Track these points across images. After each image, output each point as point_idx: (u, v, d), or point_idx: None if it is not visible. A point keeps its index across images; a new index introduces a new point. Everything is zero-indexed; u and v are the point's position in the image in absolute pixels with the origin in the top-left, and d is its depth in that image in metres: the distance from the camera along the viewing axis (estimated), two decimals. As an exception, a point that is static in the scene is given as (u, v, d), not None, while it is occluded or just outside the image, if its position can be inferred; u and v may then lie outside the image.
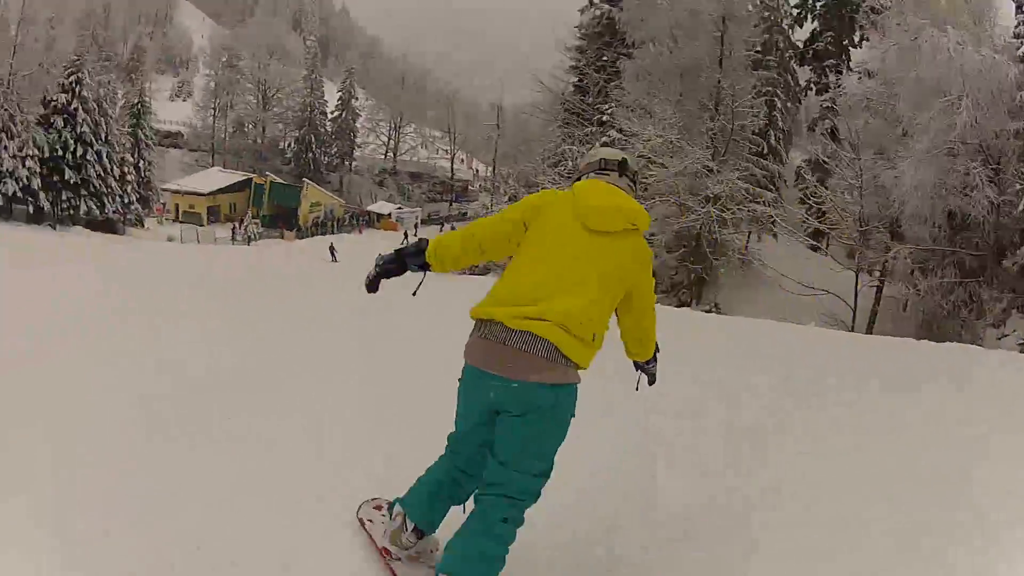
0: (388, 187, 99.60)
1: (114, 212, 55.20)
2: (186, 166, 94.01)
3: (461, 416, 3.88)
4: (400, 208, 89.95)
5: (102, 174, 53.61)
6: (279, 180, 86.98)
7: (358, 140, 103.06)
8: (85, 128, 52.32)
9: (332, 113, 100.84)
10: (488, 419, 3.69)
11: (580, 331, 3.57)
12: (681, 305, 34.54)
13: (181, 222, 75.75)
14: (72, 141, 51.93)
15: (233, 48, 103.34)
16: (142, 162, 68.53)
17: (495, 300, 3.70)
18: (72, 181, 51.79)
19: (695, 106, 41.02)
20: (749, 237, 42.17)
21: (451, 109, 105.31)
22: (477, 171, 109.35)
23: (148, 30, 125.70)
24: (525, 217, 3.86)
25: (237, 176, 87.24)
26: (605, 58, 50.37)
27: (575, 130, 48.33)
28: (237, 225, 74.81)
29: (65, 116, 52.06)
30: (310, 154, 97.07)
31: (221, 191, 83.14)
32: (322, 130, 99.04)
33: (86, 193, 52.74)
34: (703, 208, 37.28)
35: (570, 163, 44.30)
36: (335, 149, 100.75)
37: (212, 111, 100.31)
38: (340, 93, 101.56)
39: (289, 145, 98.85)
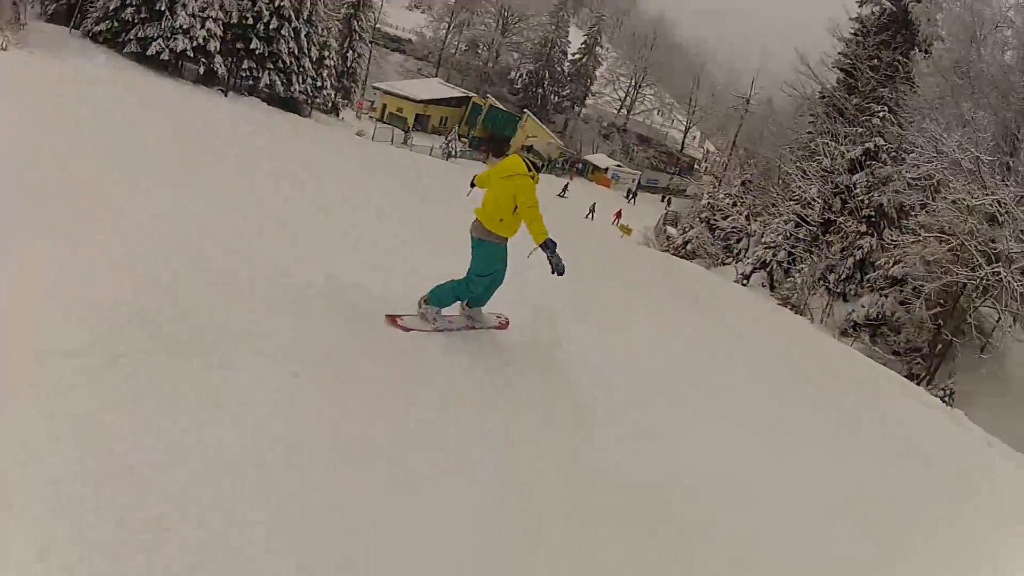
0: (613, 143, 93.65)
1: (301, 92, 49.50)
2: (406, 71, 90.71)
3: None
4: (620, 166, 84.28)
5: (296, 52, 48.04)
6: (499, 105, 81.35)
7: (593, 88, 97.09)
8: (285, 2, 46.77)
9: (573, 55, 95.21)
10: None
11: (486, 217, 7.83)
12: (910, 377, 26.43)
13: (385, 122, 71.35)
14: (268, 12, 46.49)
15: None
16: (351, 52, 63.18)
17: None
18: (258, 51, 46.31)
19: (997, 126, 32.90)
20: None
21: (697, 80, 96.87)
22: (708, 151, 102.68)
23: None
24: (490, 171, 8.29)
25: (456, 91, 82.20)
26: (881, 57, 45.18)
27: (835, 126, 42.72)
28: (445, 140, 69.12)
29: (283, -12, 46.82)
30: (540, 89, 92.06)
31: (435, 102, 78.48)
32: (558, 69, 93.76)
33: (272, 67, 47.24)
34: (989, 265, 28.56)
35: (826, 160, 39.84)
36: (567, 91, 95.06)
37: (447, 24, 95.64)
38: (585, 37, 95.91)
39: (520, 76, 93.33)
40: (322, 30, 51.13)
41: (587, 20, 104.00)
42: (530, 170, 7.74)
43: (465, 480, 5.76)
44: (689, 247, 45.70)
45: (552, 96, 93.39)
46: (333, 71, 54.29)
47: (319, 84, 51.48)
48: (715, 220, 47.09)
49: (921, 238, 31.17)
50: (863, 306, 33.95)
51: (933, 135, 30.80)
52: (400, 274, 9.47)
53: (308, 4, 48.51)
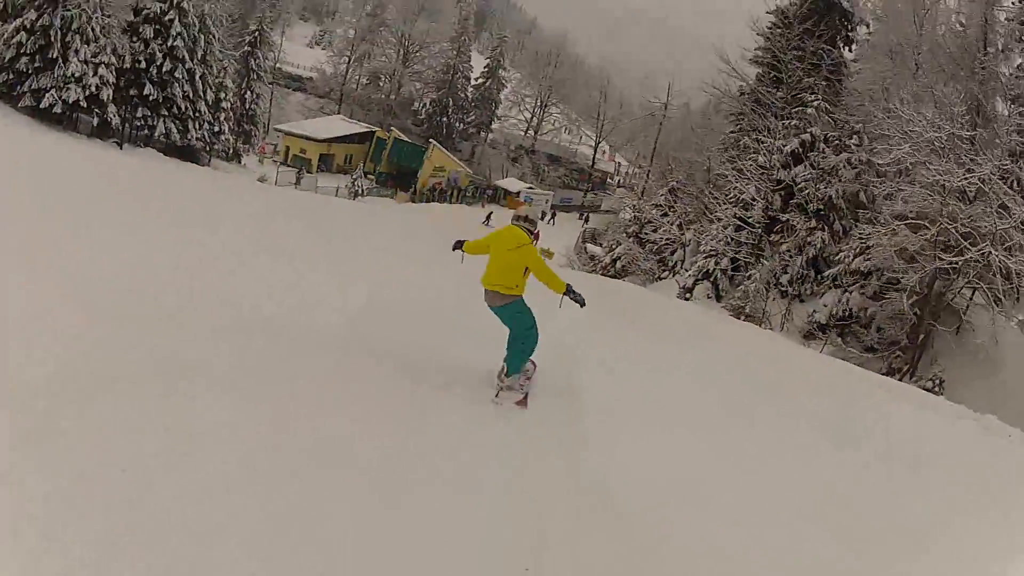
0: (522, 165, 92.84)
1: (198, 139, 47.51)
2: (307, 110, 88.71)
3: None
4: (532, 188, 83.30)
5: (191, 96, 46.15)
6: (404, 138, 79.90)
7: (499, 112, 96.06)
8: (179, 42, 44.91)
9: (476, 80, 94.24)
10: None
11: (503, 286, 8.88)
12: (891, 372, 25.61)
13: (289, 165, 69.68)
14: (160, 55, 44.63)
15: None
16: (248, 93, 61.42)
17: (484, 277, 8.99)
18: (152, 98, 44.37)
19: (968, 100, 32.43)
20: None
21: (604, 94, 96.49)
22: (619, 164, 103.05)
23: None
24: (489, 242, 9.33)
25: (359, 127, 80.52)
26: (806, 47, 44.57)
27: (765, 120, 41.43)
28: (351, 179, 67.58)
29: (157, 27, 44.74)
30: (444, 118, 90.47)
31: (338, 139, 76.61)
32: (462, 95, 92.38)
33: (167, 114, 45.29)
34: (976, 248, 27.65)
35: (761, 157, 38.76)
36: (472, 117, 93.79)
37: (347, 58, 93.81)
38: (488, 60, 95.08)
39: (424, 105, 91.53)
40: (218, 71, 49.46)
41: (488, 44, 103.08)
42: (531, 235, 9.14)
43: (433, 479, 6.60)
44: (619, 264, 44.37)
45: (457, 124, 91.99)
46: (231, 114, 52.56)
47: (217, 129, 49.71)
48: (645, 234, 45.75)
49: (893, 228, 29.81)
50: (825, 305, 32.96)
51: (901, 116, 29.76)
52: (308, 304, 10.85)
53: (202, 43, 46.71)
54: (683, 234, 43.42)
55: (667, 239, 43.84)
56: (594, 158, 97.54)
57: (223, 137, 50.60)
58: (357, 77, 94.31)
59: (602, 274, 40.79)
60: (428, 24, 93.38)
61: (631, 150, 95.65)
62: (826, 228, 34.75)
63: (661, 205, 46.92)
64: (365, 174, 68.50)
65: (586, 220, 79.31)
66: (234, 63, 57.68)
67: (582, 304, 8.99)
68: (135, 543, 4.64)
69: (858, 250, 32.05)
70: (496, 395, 9.01)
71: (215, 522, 5.05)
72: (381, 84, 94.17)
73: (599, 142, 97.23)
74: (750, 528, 7.12)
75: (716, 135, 49.67)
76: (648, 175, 66.95)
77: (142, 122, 44.77)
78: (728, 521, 7.12)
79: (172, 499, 5.10)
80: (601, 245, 55.65)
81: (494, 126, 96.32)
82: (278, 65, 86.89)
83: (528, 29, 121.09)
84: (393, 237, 26.85)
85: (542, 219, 67.33)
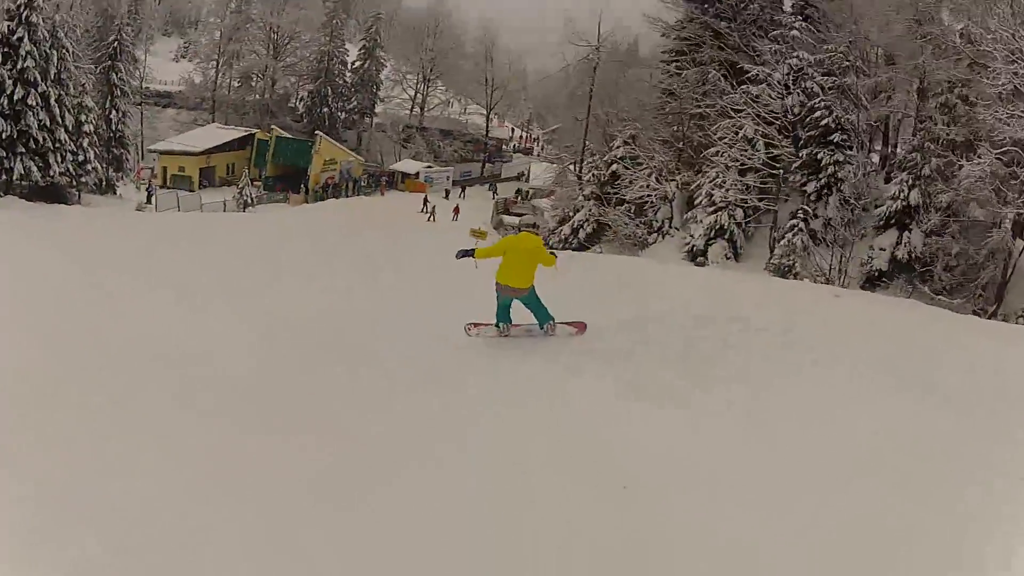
0: (415, 145, 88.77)
1: (63, 174, 42.97)
2: (181, 125, 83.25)
3: (500, 302, 11.65)
4: (430, 167, 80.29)
5: (47, 123, 41.66)
6: (287, 135, 75.38)
7: (381, 94, 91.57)
8: (29, 63, 40.49)
9: (353, 63, 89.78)
10: (508, 303, 11.65)
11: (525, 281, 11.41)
12: (978, 314, 23.94)
13: (169, 187, 64.91)
14: (11, 81, 40.18)
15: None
16: (114, 112, 56.71)
17: (499, 274, 11.30)
18: (4, 135, 39.94)
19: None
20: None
21: (489, 57, 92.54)
22: (513, 130, 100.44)
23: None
24: (506, 246, 11.53)
25: (237, 132, 75.91)
26: None
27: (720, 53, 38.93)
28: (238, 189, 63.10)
29: (6, 49, 40.42)
30: (325, 108, 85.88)
31: (216, 149, 71.66)
32: (340, 82, 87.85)
33: (24, 151, 40.82)
34: None
35: (755, 89, 35.96)
36: (354, 103, 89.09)
37: (215, 62, 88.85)
38: (363, 41, 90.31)
39: (301, 99, 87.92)
40: (75, 89, 44.83)
41: (361, 26, 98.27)
42: (545, 242, 12.51)
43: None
44: (582, 234, 40.31)
45: (339, 112, 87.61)
46: (96, 139, 47.85)
47: (82, 159, 44.97)
48: (610, 193, 40.89)
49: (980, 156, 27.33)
50: (882, 249, 30.07)
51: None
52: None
53: (55, 60, 42.16)
54: (663, 188, 39.17)
55: (646, 196, 39.30)
56: (488, 126, 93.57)
57: (90, 167, 45.67)
58: (228, 81, 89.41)
59: (562, 248, 35.60)
60: (297, 13, 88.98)
61: (516, 118, 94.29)
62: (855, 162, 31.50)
63: (624, 159, 41.44)
64: (251, 181, 64.15)
65: (495, 191, 77.74)
66: (92, 79, 52.69)
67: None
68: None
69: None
70: (502, 334, 11.89)
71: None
72: (254, 84, 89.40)
73: (491, 108, 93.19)
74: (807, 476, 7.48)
75: (662, 77, 45.53)
76: (586, 130, 61.32)
77: (-4, 165, 40.32)
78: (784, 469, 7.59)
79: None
80: (518, 215, 51.60)
81: (378, 109, 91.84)
82: (145, 84, 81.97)
83: (395, 6, 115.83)
84: (303, 249, 23.48)
85: (446, 197, 67.52)
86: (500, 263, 11.19)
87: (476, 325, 11.72)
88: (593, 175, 43.13)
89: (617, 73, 59.78)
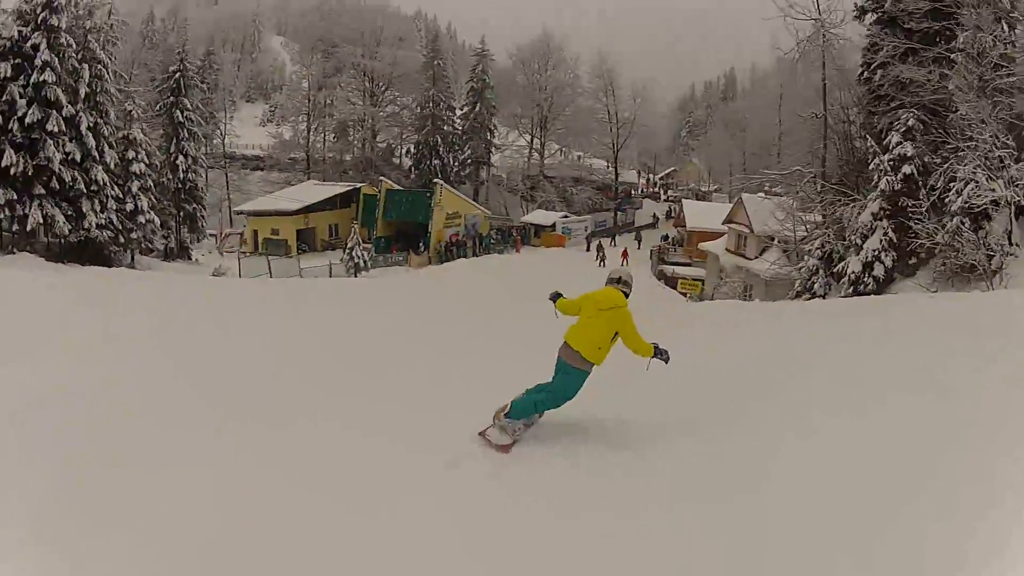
0: (544, 193, 76.88)
1: (102, 227, 30.56)
2: (272, 186, 73.46)
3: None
4: (566, 217, 68.28)
5: (77, 159, 29.61)
6: (397, 187, 62.92)
7: (496, 140, 79.58)
8: (48, 76, 28.63)
9: (462, 108, 78.42)
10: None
11: (587, 348, 8.35)
12: None
13: (261, 253, 53.20)
14: (22, 100, 28.35)
15: (329, 35, 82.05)
16: (181, 158, 44.99)
17: (569, 334, 8.55)
18: (14, 170, 27.83)
19: None
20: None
21: (610, 90, 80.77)
22: (639, 173, 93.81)
23: (235, 56, 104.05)
24: (582, 303, 8.67)
25: (338, 187, 64.40)
26: None
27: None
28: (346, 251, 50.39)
29: (17, 60, 28.94)
30: (435, 160, 74.04)
31: (316, 208, 59.74)
32: (449, 129, 76.28)
33: (44, 192, 28.57)
34: None
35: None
36: (468, 152, 77.10)
37: (306, 115, 77.82)
38: (470, 83, 78.59)
39: (407, 152, 76.56)
40: (118, 116, 32.95)
41: (464, 66, 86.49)
42: (626, 297, 8.79)
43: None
44: (878, 270, 26.46)
45: (452, 164, 75.74)
46: (151, 182, 35.53)
47: (131, 208, 32.60)
48: (911, 206, 26.82)
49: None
50: None
51: None
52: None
53: (86, 75, 30.52)
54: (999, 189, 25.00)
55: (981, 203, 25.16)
56: (616, 169, 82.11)
57: (143, 219, 33.13)
58: (323, 137, 79.34)
59: (854, 292, 25.34)
60: (393, 54, 78.32)
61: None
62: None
63: (914, 157, 26.84)
64: (362, 241, 51.32)
65: (640, 240, 67.32)
66: (144, 106, 40.87)
67: (667, 360, 8.73)
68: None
69: None
70: (485, 431, 8.68)
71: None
72: (352, 138, 78.74)
73: (618, 149, 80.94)
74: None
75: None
76: (825, 133, 45.60)
77: (6, 212, 28.11)
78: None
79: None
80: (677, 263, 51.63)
81: (494, 158, 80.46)
82: (230, 148, 71.22)
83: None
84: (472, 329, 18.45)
85: (598, 251, 56.98)
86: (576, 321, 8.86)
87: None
88: (887, 183, 27.99)
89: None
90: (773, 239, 42.24)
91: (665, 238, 67.77)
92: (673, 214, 76.88)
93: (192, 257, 43.70)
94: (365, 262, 47.72)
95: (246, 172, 76.88)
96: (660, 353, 8.55)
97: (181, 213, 44.87)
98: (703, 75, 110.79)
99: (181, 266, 39.31)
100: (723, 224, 50.30)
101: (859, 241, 27.56)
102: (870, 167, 28.88)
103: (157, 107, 48.58)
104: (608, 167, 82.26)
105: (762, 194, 47.11)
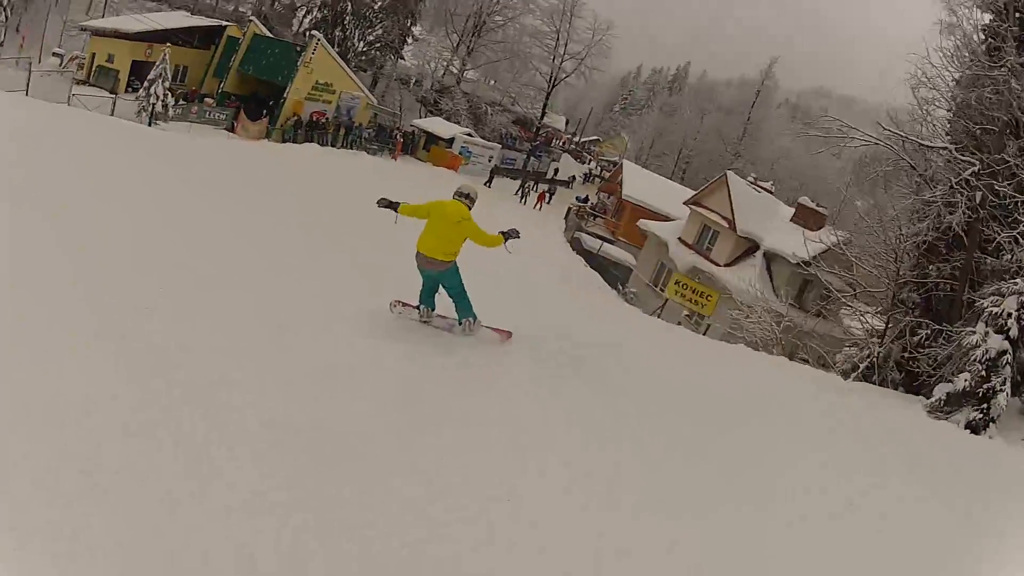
0: (454, 103, 67.24)
1: None
2: (142, 8, 58.56)
3: (423, 279, 10.08)
4: (471, 135, 57.77)
5: None
6: (267, 32, 51.16)
7: (416, 30, 68.62)
8: None
9: (386, -22, 66.56)
10: (431, 283, 10.00)
11: (444, 254, 9.70)
12: None
13: (90, 83, 43.38)
14: None
15: None
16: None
17: (418, 240, 9.72)
18: None
19: None
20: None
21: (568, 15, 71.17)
22: (568, 122, 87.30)
23: None
24: (430, 210, 9.75)
25: (203, 21, 51.97)
26: None
27: None
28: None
29: None
30: (338, 30, 61.09)
31: (163, 37, 46.42)
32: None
33: None
34: None
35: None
36: (379, 32, 64.08)
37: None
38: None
39: (309, 13, 63.04)
40: None
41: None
42: (470, 209, 10.08)
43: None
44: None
45: (357, 41, 62.92)
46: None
47: None
48: None
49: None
50: None
51: None
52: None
53: None
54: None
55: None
56: (544, 110, 73.16)
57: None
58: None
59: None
60: None
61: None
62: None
63: None
64: (169, 76, 40.23)
65: (552, 192, 58.73)
66: None
67: (517, 235, 10.09)
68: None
69: None
70: (422, 319, 10.38)
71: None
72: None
73: (554, 83, 71.58)
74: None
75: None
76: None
77: None
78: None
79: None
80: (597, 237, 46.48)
81: (407, 50, 69.48)
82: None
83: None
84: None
85: (487, 184, 52.45)
86: (422, 229, 10.12)
87: (403, 304, 10.60)
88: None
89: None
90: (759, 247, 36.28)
91: (584, 200, 58.36)
92: (593, 177, 71.48)
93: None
94: (166, 107, 36.84)
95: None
96: (509, 236, 10.03)
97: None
98: (658, 60, 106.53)
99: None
100: (686, 204, 40.84)
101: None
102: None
103: None
104: (535, 100, 72.83)
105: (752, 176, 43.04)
